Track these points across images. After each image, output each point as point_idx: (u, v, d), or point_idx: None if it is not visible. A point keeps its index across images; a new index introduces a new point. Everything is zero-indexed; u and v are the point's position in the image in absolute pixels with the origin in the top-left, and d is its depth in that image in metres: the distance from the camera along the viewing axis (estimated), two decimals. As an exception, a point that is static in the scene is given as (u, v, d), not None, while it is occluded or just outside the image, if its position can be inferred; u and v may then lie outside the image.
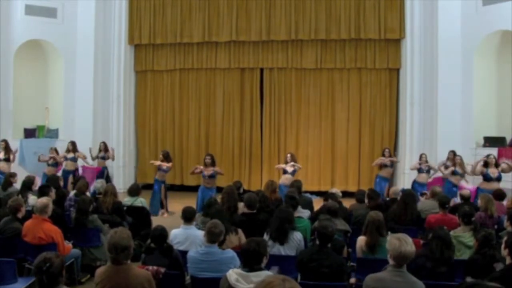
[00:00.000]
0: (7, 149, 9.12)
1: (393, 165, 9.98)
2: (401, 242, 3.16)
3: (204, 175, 8.65)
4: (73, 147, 9.88)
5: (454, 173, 8.65)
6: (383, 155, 9.80)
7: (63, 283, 2.97)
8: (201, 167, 8.75)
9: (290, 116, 11.73)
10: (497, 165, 7.96)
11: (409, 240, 3.20)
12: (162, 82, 12.34)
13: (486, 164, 7.95)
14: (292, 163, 9.16)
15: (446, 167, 8.78)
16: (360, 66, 11.35)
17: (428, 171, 9.13)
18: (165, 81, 12.33)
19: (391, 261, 3.20)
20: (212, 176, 8.63)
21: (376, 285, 3.14)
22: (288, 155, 9.41)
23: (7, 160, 9.05)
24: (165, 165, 9.25)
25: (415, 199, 6.34)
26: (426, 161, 9.23)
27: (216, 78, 12.05)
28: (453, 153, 8.85)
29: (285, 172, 9.16)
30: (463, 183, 8.74)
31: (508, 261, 3.58)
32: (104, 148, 10.35)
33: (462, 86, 9.89)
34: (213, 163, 8.69)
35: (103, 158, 10.34)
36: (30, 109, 11.25)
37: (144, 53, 12.28)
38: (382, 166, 9.77)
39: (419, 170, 9.17)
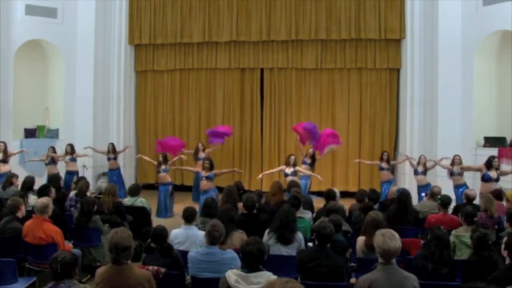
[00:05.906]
0: (5, 151, 9.06)
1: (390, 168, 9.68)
2: (384, 238, 3.12)
3: (201, 176, 8.67)
4: (71, 150, 9.83)
5: (451, 173, 8.54)
6: (382, 158, 9.57)
7: (76, 278, 3.04)
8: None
9: (290, 116, 11.71)
10: (497, 167, 7.87)
11: (395, 235, 3.16)
12: (162, 82, 12.33)
13: (489, 167, 7.80)
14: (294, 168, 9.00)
15: (452, 174, 8.55)
16: (360, 66, 11.34)
17: (424, 172, 9.00)
18: (165, 81, 12.32)
19: (380, 259, 3.17)
20: (209, 178, 8.63)
21: (370, 286, 3.09)
22: (292, 157, 9.12)
23: (4, 161, 8.97)
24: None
25: (410, 198, 6.32)
26: (424, 164, 9.04)
27: (216, 78, 12.05)
28: (459, 157, 8.64)
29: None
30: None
31: (507, 261, 3.58)
32: (113, 149, 10.45)
33: (462, 86, 9.87)
34: (211, 168, 8.71)
35: (115, 159, 10.47)
36: (30, 109, 11.24)
37: (144, 53, 12.27)
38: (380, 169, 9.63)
39: (415, 172, 9.07)
